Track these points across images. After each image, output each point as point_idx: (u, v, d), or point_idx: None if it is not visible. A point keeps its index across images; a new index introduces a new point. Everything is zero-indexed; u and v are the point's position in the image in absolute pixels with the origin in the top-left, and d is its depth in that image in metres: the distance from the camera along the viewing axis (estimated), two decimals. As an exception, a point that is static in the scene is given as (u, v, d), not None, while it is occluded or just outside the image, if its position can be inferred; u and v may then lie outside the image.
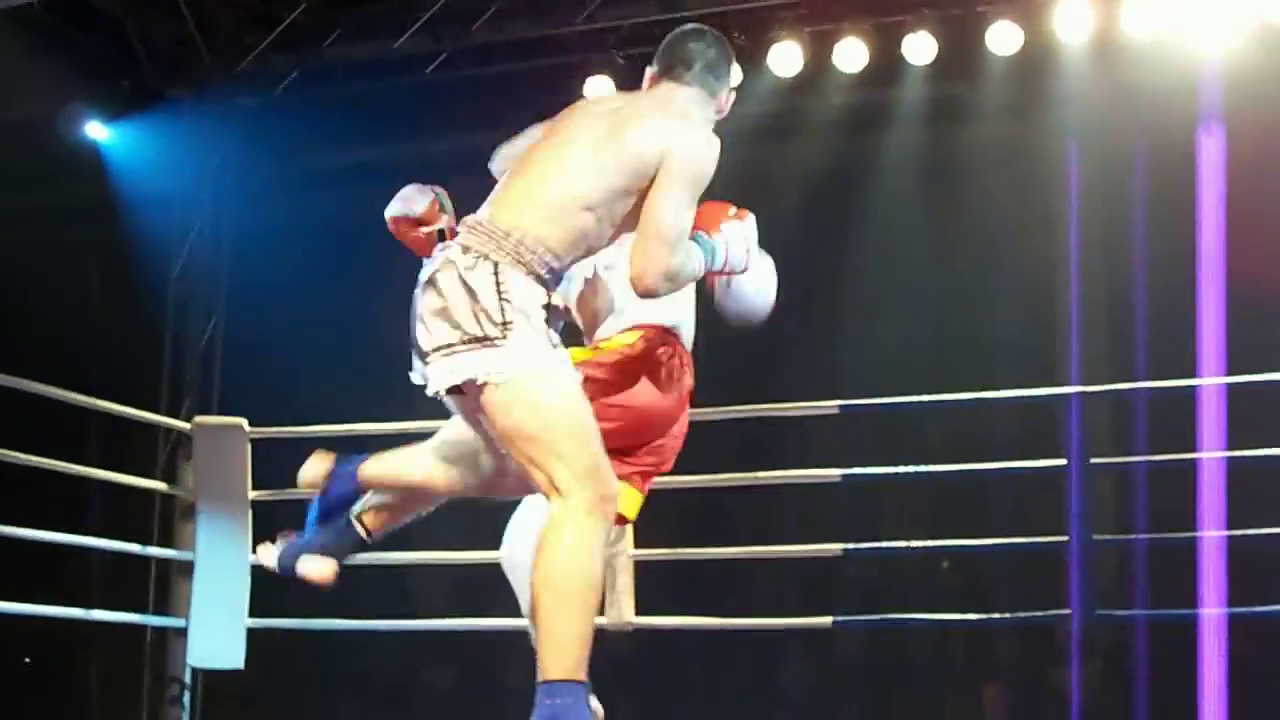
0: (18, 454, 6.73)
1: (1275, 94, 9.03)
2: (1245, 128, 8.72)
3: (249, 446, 7.65)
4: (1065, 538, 6.55)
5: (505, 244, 3.90)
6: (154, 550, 8.34)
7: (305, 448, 7.81)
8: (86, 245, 11.66)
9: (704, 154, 4.13)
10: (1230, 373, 7.59)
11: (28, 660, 11.79)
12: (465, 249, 3.93)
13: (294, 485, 7.69)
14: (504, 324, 3.81)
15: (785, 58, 9.16)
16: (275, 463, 7.82)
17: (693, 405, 7.72)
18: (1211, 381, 7.36)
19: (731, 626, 7.61)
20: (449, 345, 3.89)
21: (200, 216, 9.80)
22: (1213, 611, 6.55)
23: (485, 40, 9.62)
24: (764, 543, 7.90)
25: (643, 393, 4.65)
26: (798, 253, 11.10)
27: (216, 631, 7.60)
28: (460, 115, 10.81)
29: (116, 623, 8.15)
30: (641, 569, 7.07)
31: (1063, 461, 6.61)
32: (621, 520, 4.42)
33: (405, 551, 8.75)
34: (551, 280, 3.97)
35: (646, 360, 4.69)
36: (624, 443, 4.54)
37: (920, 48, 8.96)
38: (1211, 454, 6.80)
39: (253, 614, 7.60)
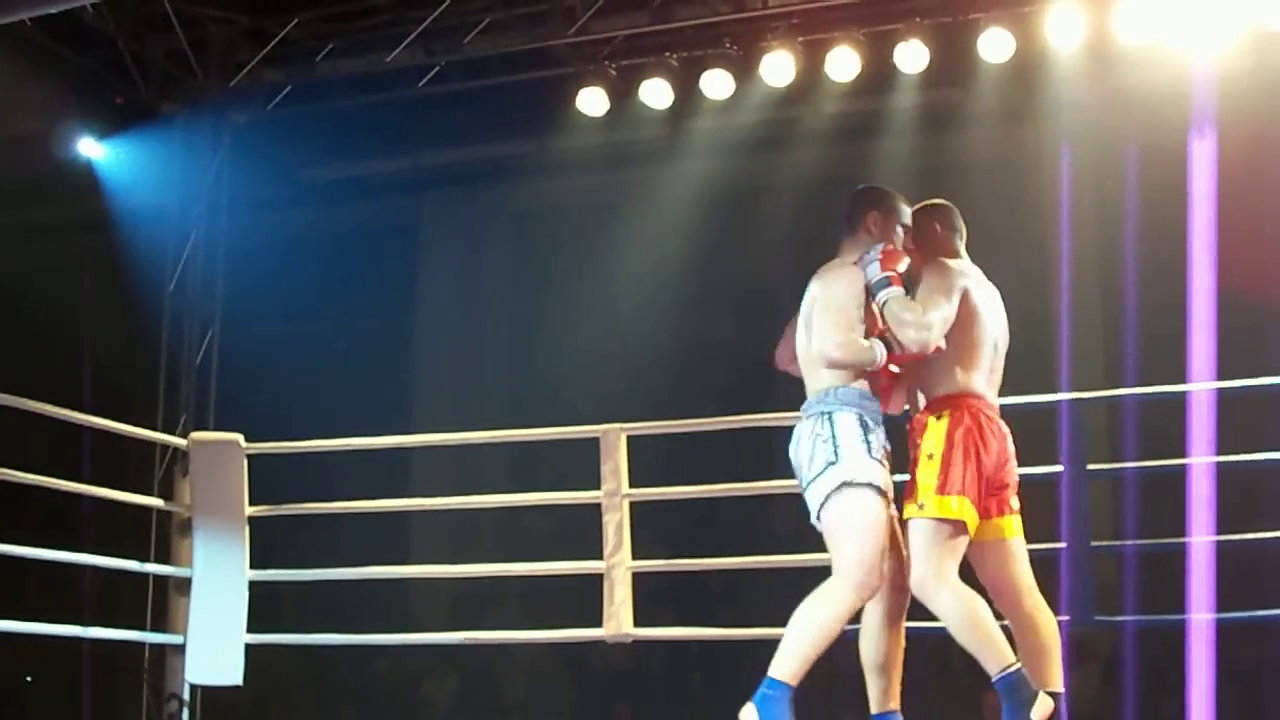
0: (14, 472, 6.72)
1: (1267, 98, 9.05)
2: (1237, 132, 8.73)
3: (245, 462, 7.65)
4: (1062, 544, 6.56)
5: None
6: (151, 567, 8.34)
7: (302, 463, 7.86)
8: (81, 261, 11.69)
9: None
10: (1221, 378, 7.60)
11: (29, 679, 11.79)
12: None
13: (291, 500, 7.73)
14: None
15: (778, 68, 9.16)
16: (272, 478, 7.83)
17: (689, 417, 7.77)
18: (1203, 387, 7.37)
19: (730, 637, 7.61)
20: None
21: (194, 231, 9.79)
22: (1204, 617, 6.56)
23: (477, 53, 9.63)
24: (763, 552, 7.89)
25: None
26: (792, 260, 11.14)
27: (215, 647, 7.59)
28: (453, 128, 10.84)
29: (115, 640, 8.14)
30: (640, 581, 7.07)
31: (1058, 468, 6.62)
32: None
33: (404, 566, 8.77)
34: None
35: None
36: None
37: (912, 56, 8.96)
38: (1200, 459, 6.80)
39: (251, 629, 7.60)
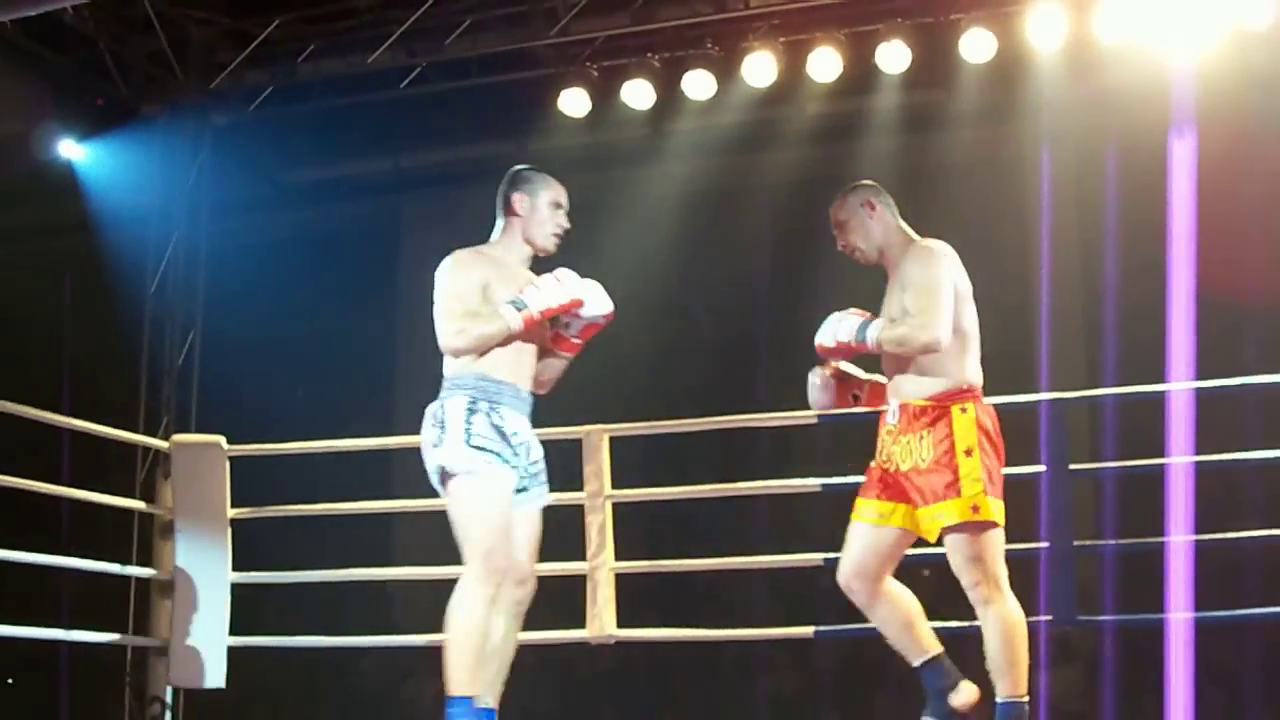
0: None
1: (1246, 98, 9.07)
2: (1217, 131, 8.75)
3: (227, 464, 7.64)
4: (1044, 544, 6.57)
5: None
6: (133, 569, 8.31)
7: (284, 465, 7.85)
8: (62, 263, 11.66)
9: None
10: (1201, 377, 7.61)
11: (9, 681, 11.76)
12: None
13: (273, 502, 7.72)
14: None
15: (759, 68, 9.18)
16: (254, 480, 7.81)
17: (671, 418, 7.76)
18: (1181, 386, 7.38)
19: (713, 638, 7.61)
20: None
21: (176, 233, 9.78)
22: (1183, 616, 6.57)
23: (459, 54, 9.63)
24: (744, 553, 7.89)
25: None
26: (773, 262, 11.17)
27: (197, 650, 7.57)
28: (435, 129, 10.83)
29: (97, 643, 8.13)
30: (622, 582, 7.07)
31: (1039, 468, 6.62)
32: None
33: (387, 567, 8.75)
34: None
35: None
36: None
37: (894, 56, 8.98)
38: (1179, 459, 6.82)
39: (234, 632, 7.59)
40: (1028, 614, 6.23)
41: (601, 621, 6.99)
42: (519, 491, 5.13)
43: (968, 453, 5.00)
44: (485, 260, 5.17)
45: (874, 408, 5.42)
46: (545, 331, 5.29)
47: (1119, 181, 9.39)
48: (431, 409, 5.13)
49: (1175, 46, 8.47)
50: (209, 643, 7.56)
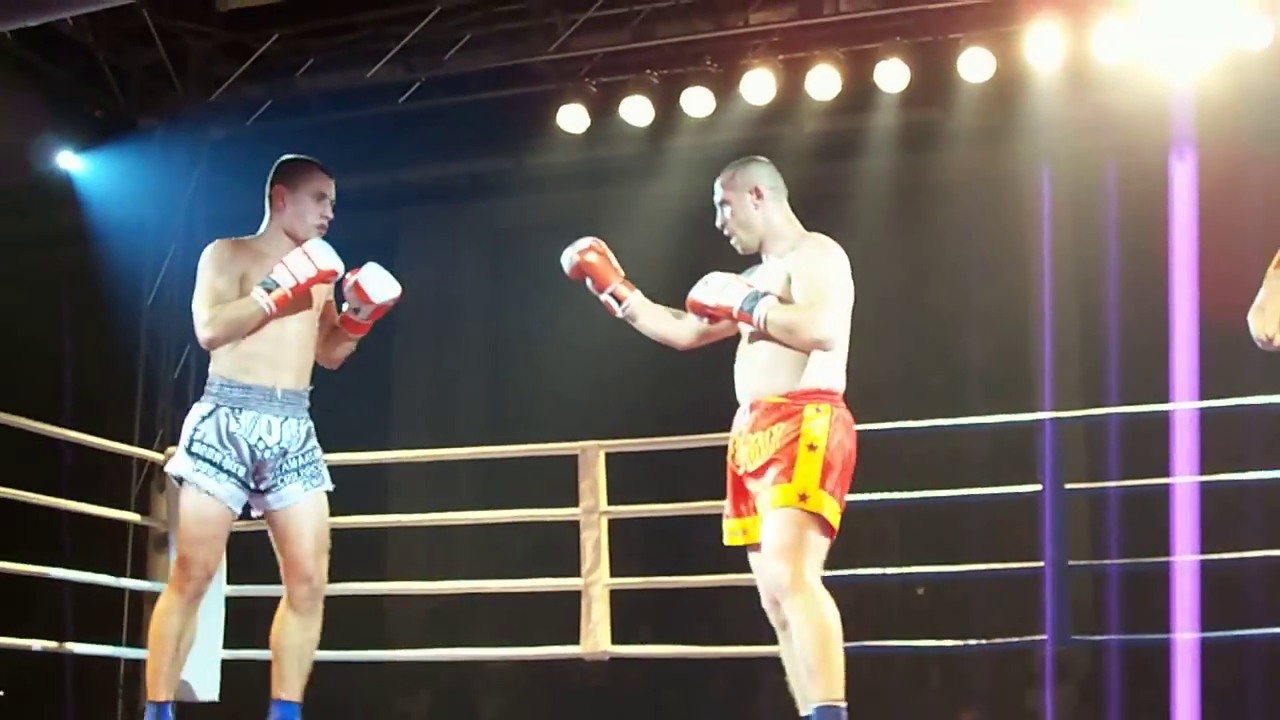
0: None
1: (1244, 118, 9.08)
2: (1216, 151, 8.76)
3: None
4: (1040, 563, 6.56)
5: None
6: (127, 582, 8.30)
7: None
8: (59, 275, 11.64)
9: None
10: (1203, 397, 7.61)
11: (1, 692, 11.73)
12: None
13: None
14: None
15: (758, 85, 9.18)
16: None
17: (666, 434, 7.75)
18: (1184, 406, 7.37)
19: (707, 655, 7.59)
20: None
21: (173, 246, 9.77)
22: (1186, 636, 6.56)
23: (458, 69, 9.64)
24: (738, 571, 7.88)
25: None
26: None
27: (191, 663, 7.53)
28: (433, 144, 10.83)
29: (90, 655, 8.10)
30: (618, 598, 7.06)
31: (1037, 487, 6.62)
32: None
33: (380, 582, 8.74)
34: None
35: None
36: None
37: (892, 75, 8.99)
38: (1184, 479, 6.81)
39: (228, 645, 7.57)
40: (1030, 634, 6.22)
41: (596, 638, 6.97)
42: (267, 491, 5.10)
43: (811, 448, 4.62)
44: (245, 252, 5.15)
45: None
46: (312, 326, 5.21)
47: (1118, 201, 9.40)
48: None
49: (1173, 67, 8.47)
50: (202, 656, 7.51)
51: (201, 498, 5.03)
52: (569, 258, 5.37)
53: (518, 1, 9.44)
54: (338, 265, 5.05)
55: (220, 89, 9.98)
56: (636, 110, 9.43)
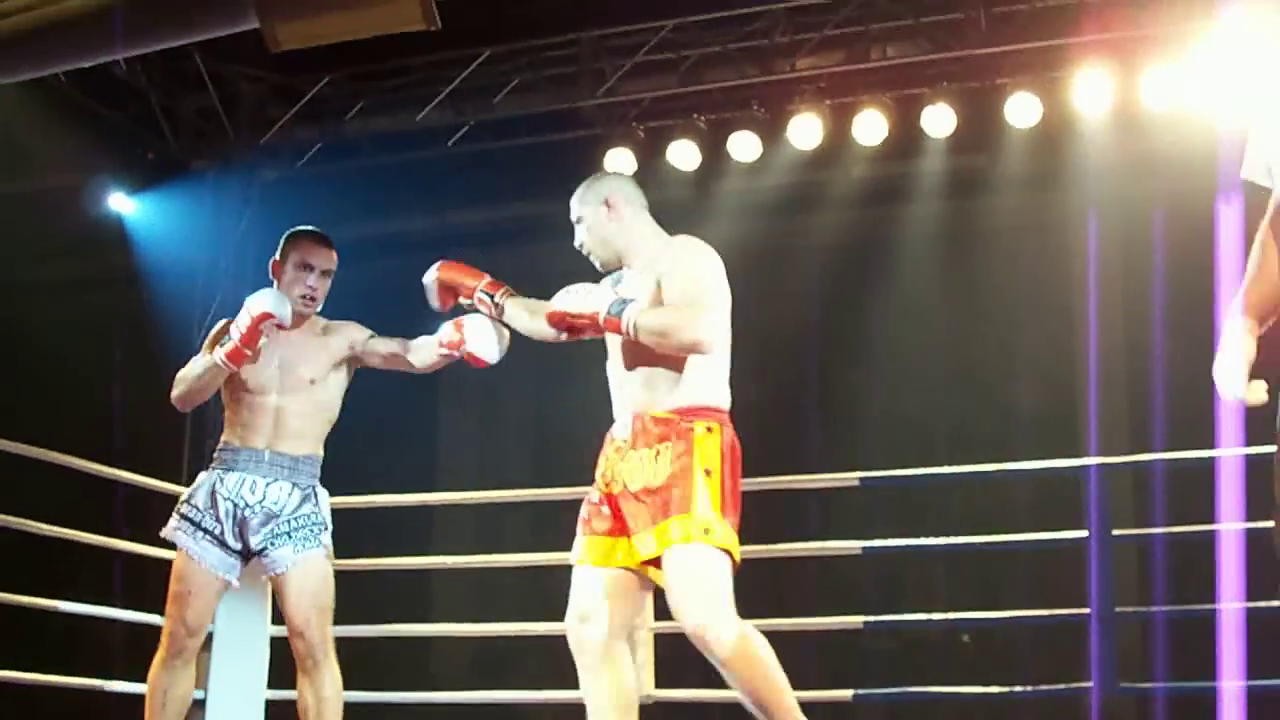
0: (40, 524, 6.74)
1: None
2: (1263, 198, 8.71)
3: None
4: (1086, 610, 6.53)
5: None
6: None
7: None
8: (110, 316, 11.72)
9: None
10: (1250, 443, 7.57)
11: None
12: None
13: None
14: None
15: (805, 130, 9.22)
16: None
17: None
18: (1230, 453, 7.34)
19: (752, 699, 7.57)
20: None
21: (223, 287, 9.83)
22: (1233, 684, 6.52)
23: (506, 113, 9.70)
24: (784, 615, 7.87)
25: None
26: (818, 325, 11.16)
27: (235, 703, 7.58)
28: (482, 187, 10.88)
29: (138, 694, 8.12)
30: (661, 641, 7.05)
31: (1084, 533, 6.60)
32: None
33: (426, 624, 8.75)
34: None
35: None
36: None
37: (939, 120, 9.01)
38: (1230, 525, 6.78)
39: (272, 686, 7.59)
40: (1077, 680, 6.18)
41: (640, 681, 6.96)
42: (260, 554, 5.18)
43: (708, 473, 4.35)
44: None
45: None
46: (314, 397, 5.31)
47: (1166, 247, 9.36)
48: None
49: (1221, 112, 8.46)
50: (247, 696, 7.56)
51: (181, 556, 5.18)
52: (427, 283, 5.28)
53: (566, 47, 9.50)
54: (266, 306, 5.12)
55: (271, 131, 10.07)
56: (684, 155, 9.47)
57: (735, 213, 10.40)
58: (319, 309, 5.41)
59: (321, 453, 5.38)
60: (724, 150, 9.44)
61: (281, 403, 5.24)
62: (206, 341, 5.28)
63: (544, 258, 12.63)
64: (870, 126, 9.13)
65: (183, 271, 9.95)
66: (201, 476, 5.26)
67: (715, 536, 4.33)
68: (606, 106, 9.63)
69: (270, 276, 5.42)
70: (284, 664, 7.65)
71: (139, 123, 9.89)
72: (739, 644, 4.35)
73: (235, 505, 5.14)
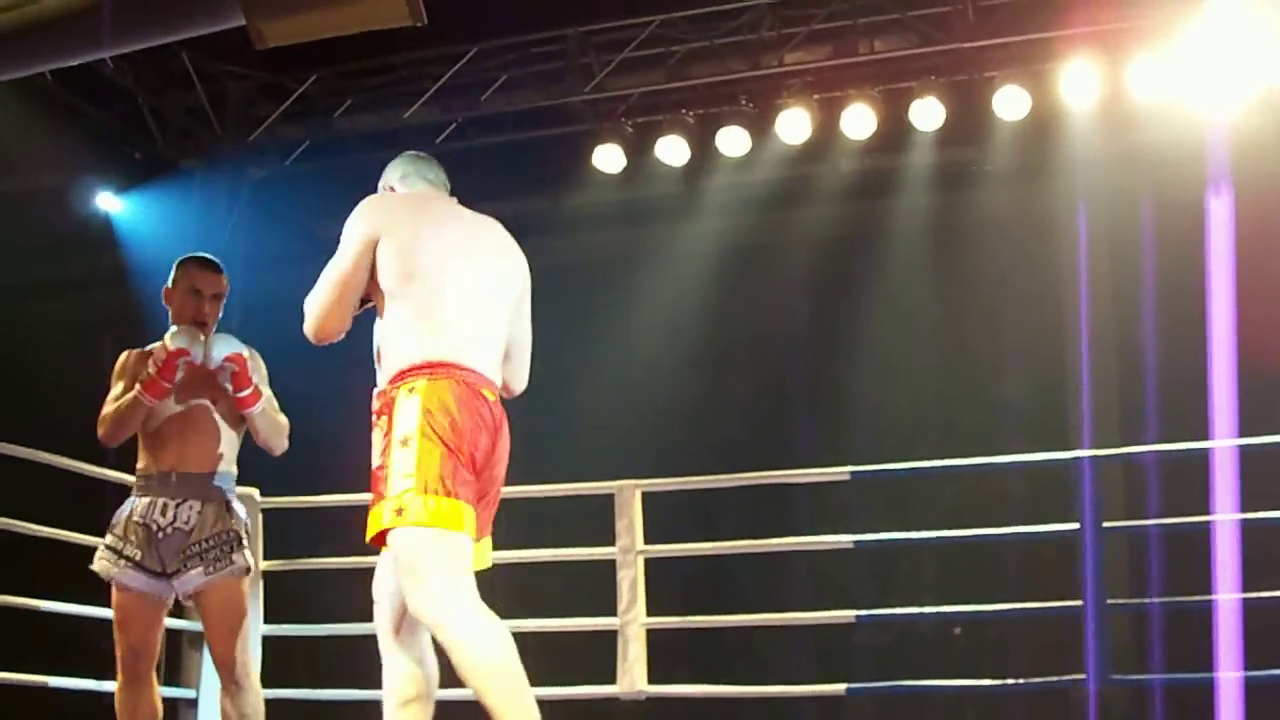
0: (31, 525, 6.73)
1: (1280, 157, 9.05)
2: (1253, 189, 8.73)
3: (260, 516, 7.64)
4: (1079, 602, 6.53)
5: None
6: (173, 623, 8.32)
7: (317, 517, 7.85)
8: (99, 315, 11.70)
9: None
10: (1243, 434, 7.58)
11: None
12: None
13: (306, 555, 7.71)
14: None
15: (794, 125, 9.21)
16: (287, 532, 7.82)
17: (704, 473, 7.74)
18: (1224, 444, 7.35)
19: (745, 695, 7.57)
20: None
21: (211, 286, 9.80)
22: (1229, 675, 6.52)
23: (494, 110, 9.68)
24: (777, 610, 7.86)
25: None
26: (807, 319, 11.16)
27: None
28: (470, 184, 10.85)
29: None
30: (654, 637, 7.05)
31: (1075, 525, 6.59)
32: None
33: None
34: None
35: None
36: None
37: (928, 114, 9.01)
38: (1225, 516, 6.78)
39: (265, 685, 7.57)
40: (1070, 672, 6.16)
41: (632, 677, 6.96)
42: (174, 575, 5.17)
43: (404, 443, 3.92)
44: (143, 357, 5.38)
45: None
46: (217, 412, 5.36)
47: (1155, 238, 9.37)
48: None
49: (1210, 104, 8.47)
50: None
51: (113, 586, 5.24)
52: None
53: (553, 43, 9.49)
54: (182, 344, 5.25)
55: (259, 130, 10.05)
56: (672, 150, 9.47)
57: (724, 207, 10.40)
58: (214, 331, 5.48)
59: (234, 469, 5.45)
60: (712, 145, 9.43)
61: (188, 417, 5.31)
62: (115, 374, 5.38)
63: (533, 252, 12.65)
64: (858, 120, 9.13)
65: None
66: (123, 505, 5.32)
67: (409, 515, 3.88)
68: (594, 102, 9.63)
69: (163, 303, 5.56)
70: (277, 662, 7.65)
71: (126, 122, 9.87)
72: (453, 644, 3.91)
73: (150, 531, 5.19)
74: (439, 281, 4.11)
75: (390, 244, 4.18)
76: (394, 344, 4.10)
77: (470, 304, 4.15)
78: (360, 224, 4.27)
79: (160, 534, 5.18)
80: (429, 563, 3.90)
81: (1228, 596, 6.60)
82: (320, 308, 4.28)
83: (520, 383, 4.46)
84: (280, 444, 5.48)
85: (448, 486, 3.91)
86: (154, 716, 5.34)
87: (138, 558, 5.17)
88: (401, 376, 4.02)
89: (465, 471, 3.96)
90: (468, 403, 3.99)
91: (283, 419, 5.49)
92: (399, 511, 3.91)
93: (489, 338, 4.18)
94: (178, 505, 5.22)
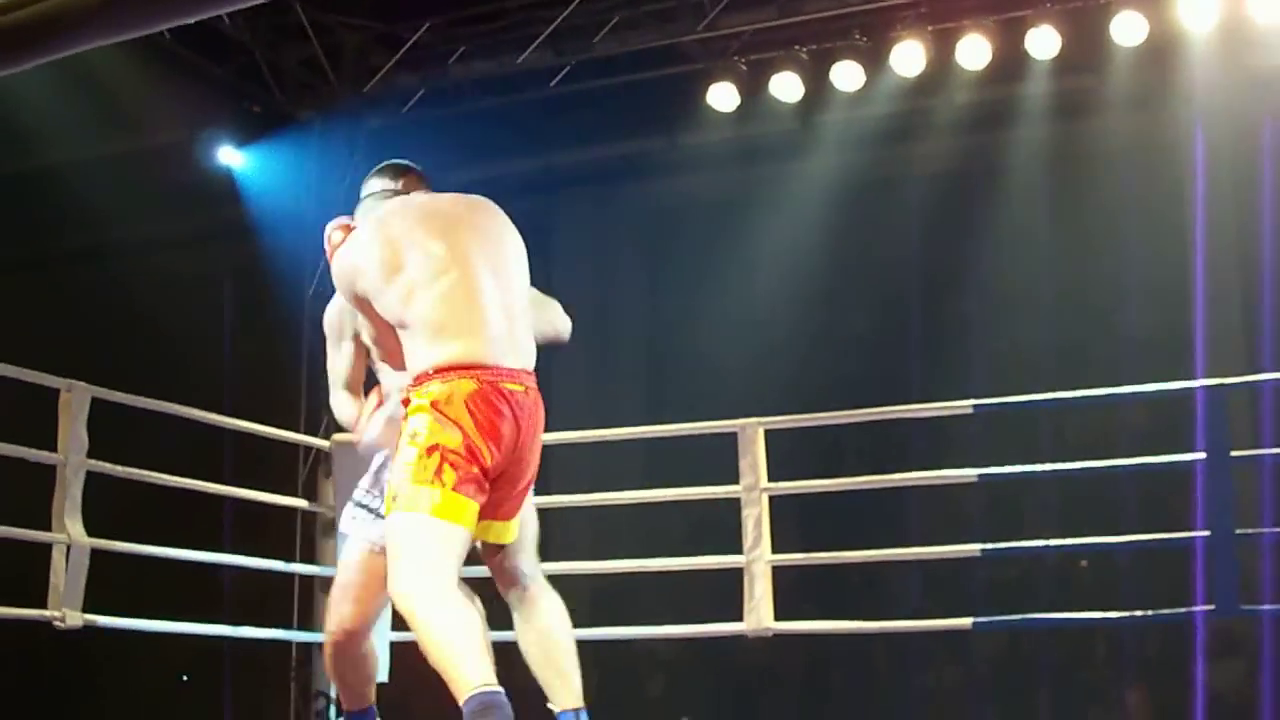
0: (167, 476, 6.84)
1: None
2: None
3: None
4: (1206, 532, 6.49)
5: None
6: (297, 567, 8.47)
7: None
8: (223, 267, 11.88)
9: None
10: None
11: (185, 677, 12.00)
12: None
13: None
14: None
15: (908, 57, 9.13)
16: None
17: (823, 409, 7.75)
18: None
19: (871, 630, 7.59)
20: None
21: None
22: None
23: (607, 52, 9.68)
24: (900, 545, 7.87)
25: None
26: (924, 253, 11.12)
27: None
28: (586, 127, 10.90)
29: (262, 639, 8.28)
30: (779, 575, 7.08)
31: (1201, 455, 6.54)
32: None
33: (543, 563, 8.83)
34: None
35: None
36: None
37: (1043, 42, 8.90)
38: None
39: (395, 627, 7.69)
40: (1187, 604, 6.13)
41: (759, 615, 7.00)
42: None
43: (412, 438, 4.11)
44: None
45: None
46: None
47: (1274, 163, 9.24)
48: None
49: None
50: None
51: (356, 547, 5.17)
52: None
53: (665, -17, 9.48)
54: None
55: (374, 80, 10.11)
56: (786, 86, 9.43)
57: (839, 143, 10.37)
58: None
59: None
60: (826, 81, 9.38)
61: None
62: (335, 335, 5.11)
63: (651, 193, 12.68)
64: (973, 51, 9.04)
65: (293, 221, 10.04)
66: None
67: (401, 502, 4.08)
68: (707, 41, 9.60)
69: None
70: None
71: (244, 76, 9.97)
72: (408, 613, 4.08)
73: None
74: (436, 290, 4.19)
75: (373, 289, 4.27)
76: (413, 355, 4.21)
77: (473, 298, 4.22)
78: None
79: None
80: (408, 547, 4.08)
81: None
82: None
83: (563, 326, 4.77)
84: None
85: (444, 479, 4.05)
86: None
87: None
88: (419, 380, 4.16)
89: (470, 467, 4.09)
90: (483, 399, 4.12)
91: None
92: (394, 498, 4.10)
93: (502, 322, 4.25)
94: None
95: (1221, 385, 6.63)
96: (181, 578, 8.08)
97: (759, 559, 7.00)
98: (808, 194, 10.67)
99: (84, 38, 2.20)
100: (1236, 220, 9.81)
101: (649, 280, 12.26)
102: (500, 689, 3.95)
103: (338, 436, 8.27)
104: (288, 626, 8.67)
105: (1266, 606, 7.81)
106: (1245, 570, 7.96)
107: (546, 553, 10.19)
